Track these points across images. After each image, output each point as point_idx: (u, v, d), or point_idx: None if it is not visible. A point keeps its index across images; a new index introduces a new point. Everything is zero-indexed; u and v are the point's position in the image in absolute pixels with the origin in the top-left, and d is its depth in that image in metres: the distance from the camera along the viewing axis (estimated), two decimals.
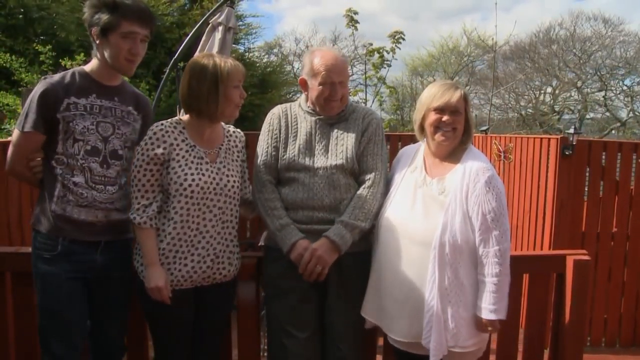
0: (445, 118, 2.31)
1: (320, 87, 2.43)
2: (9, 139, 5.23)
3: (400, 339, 2.38)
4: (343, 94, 2.47)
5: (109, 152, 2.31)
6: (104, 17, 2.23)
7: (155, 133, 2.29)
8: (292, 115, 2.55)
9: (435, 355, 2.27)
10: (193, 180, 2.28)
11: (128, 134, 2.37)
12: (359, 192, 2.44)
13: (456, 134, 2.34)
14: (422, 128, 2.42)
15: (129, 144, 2.38)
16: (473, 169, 2.28)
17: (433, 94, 2.35)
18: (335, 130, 2.50)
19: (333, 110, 2.49)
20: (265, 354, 2.79)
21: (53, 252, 2.28)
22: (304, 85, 2.52)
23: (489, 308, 2.22)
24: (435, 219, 2.27)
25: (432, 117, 2.34)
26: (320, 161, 2.44)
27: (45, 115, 2.23)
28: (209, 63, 2.29)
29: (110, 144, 2.32)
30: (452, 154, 2.39)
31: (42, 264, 2.29)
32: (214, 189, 2.32)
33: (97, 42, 2.28)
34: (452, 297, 2.25)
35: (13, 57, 7.82)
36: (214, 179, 2.33)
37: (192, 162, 2.31)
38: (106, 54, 2.28)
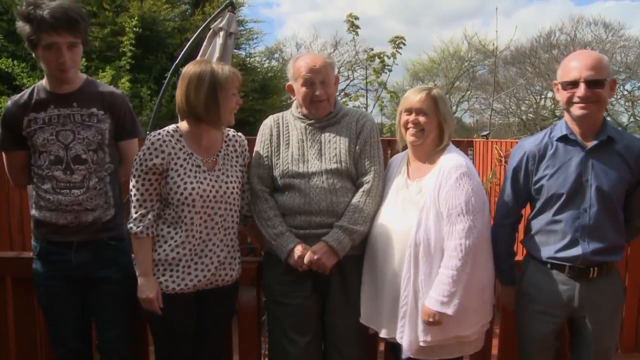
0: (410, 118, 2.38)
1: (303, 87, 2.46)
2: None
3: (384, 336, 2.41)
4: (328, 93, 2.48)
5: (71, 159, 2.34)
6: (26, 29, 2.21)
7: (152, 143, 2.29)
8: (284, 124, 2.57)
9: (410, 350, 2.29)
10: (193, 189, 2.28)
11: (91, 137, 2.37)
12: (357, 196, 2.44)
13: (425, 134, 2.37)
14: (401, 132, 2.47)
15: (94, 147, 2.37)
16: (447, 167, 2.31)
17: (404, 97, 2.44)
18: (327, 134, 2.51)
19: (320, 111, 2.50)
20: (266, 359, 2.78)
21: (35, 253, 2.46)
22: (292, 90, 2.55)
23: (438, 299, 2.20)
24: (411, 218, 2.31)
25: (403, 118, 2.42)
26: (314, 166, 2.45)
27: (11, 135, 2.37)
28: (206, 69, 2.29)
29: (72, 150, 2.34)
30: (431, 155, 2.42)
31: (33, 264, 2.47)
32: (214, 197, 2.33)
33: (34, 54, 2.29)
34: (424, 293, 2.26)
35: (15, 62, 7.84)
36: (212, 187, 2.33)
37: (190, 170, 2.31)
38: (42, 66, 2.31)
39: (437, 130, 2.39)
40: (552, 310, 2.35)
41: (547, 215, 2.34)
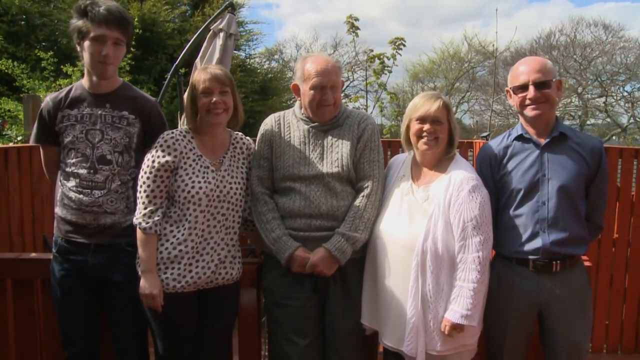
0: (426, 127, 2.36)
1: (312, 91, 2.43)
2: (10, 144, 5.25)
3: (387, 343, 2.42)
4: (336, 98, 2.46)
5: (96, 158, 2.39)
6: (78, 23, 2.34)
7: (166, 141, 2.34)
8: (285, 124, 2.55)
9: None
10: (200, 188, 2.31)
11: (118, 139, 2.41)
12: (357, 200, 2.43)
13: (439, 142, 2.37)
14: (408, 139, 2.45)
15: (120, 149, 2.42)
16: (457, 179, 2.31)
17: (414, 105, 2.41)
18: (330, 137, 2.49)
19: (325, 116, 2.48)
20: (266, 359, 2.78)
21: (55, 250, 2.48)
22: (297, 91, 2.53)
23: (462, 313, 2.22)
24: (419, 226, 2.30)
25: (415, 127, 2.40)
26: (315, 169, 2.44)
27: (45, 129, 2.46)
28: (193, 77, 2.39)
29: (99, 150, 2.39)
30: (439, 163, 2.42)
31: (52, 261, 2.50)
32: (217, 196, 2.35)
33: (79, 49, 2.40)
34: (432, 303, 2.28)
35: (15, 63, 7.85)
36: (217, 186, 2.35)
37: (198, 170, 2.35)
38: (84, 59, 2.40)
39: (448, 137, 2.40)
40: (519, 306, 2.41)
41: (509, 211, 2.44)
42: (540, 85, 2.36)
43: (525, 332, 2.47)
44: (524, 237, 2.39)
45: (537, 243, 2.36)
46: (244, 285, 2.60)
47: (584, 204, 2.42)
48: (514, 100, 2.45)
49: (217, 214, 2.36)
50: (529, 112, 2.39)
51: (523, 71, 2.41)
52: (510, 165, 2.44)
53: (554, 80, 2.40)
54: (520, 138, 2.46)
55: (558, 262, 2.36)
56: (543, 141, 2.41)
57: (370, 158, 2.48)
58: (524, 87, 2.39)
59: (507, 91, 2.50)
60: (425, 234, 2.28)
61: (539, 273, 2.38)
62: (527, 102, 2.38)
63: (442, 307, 2.28)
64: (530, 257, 2.38)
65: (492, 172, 2.50)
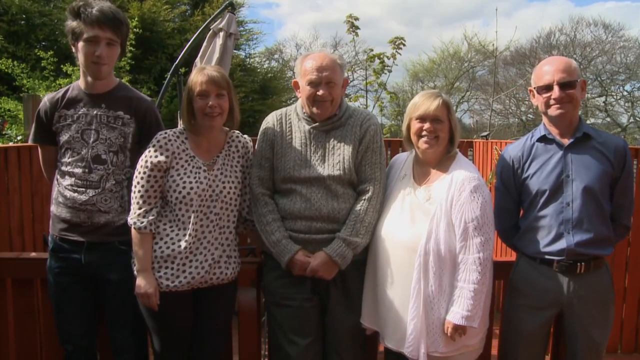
0: (426, 126, 2.35)
1: (308, 86, 2.42)
2: (10, 144, 5.25)
3: (387, 344, 2.41)
4: (333, 95, 2.43)
5: (91, 158, 2.41)
6: (72, 24, 2.37)
7: (159, 141, 2.35)
8: (287, 124, 2.53)
9: None
10: (192, 188, 2.31)
11: (113, 139, 2.43)
12: (358, 204, 2.41)
13: (439, 141, 2.36)
14: (409, 138, 2.44)
15: (115, 148, 2.43)
16: (459, 178, 2.30)
17: (414, 104, 2.40)
18: (332, 139, 2.47)
19: (322, 112, 2.44)
20: (266, 359, 2.79)
21: (50, 248, 2.53)
22: (297, 87, 2.52)
23: (463, 314, 2.22)
24: (421, 227, 2.29)
25: (415, 126, 2.38)
26: (317, 171, 2.42)
27: (42, 129, 2.49)
28: (190, 78, 2.39)
29: (94, 149, 2.42)
30: (440, 162, 2.41)
31: (48, 259, 2.54)
32: (210, 196, 2.35)
33: (74, 50, 2.43)
34: (434, 304, 2.27)
35: (15, 63, 7.84)
36: (209, 186, 2.35)
37: (190, 171, 2.35)
38: (79, 60, 2.42)
39: (449, 136, 2.39)
40: (540, 305, 2.41)
41: (533, 212, 2.42)
42: (565, 85, 2.33)
43: (542, 333, 2.47)
44: (548, 238, 2.37)
45: (561, 244, 2.35)
46: (244, 284, 2.61)
47: (608, 204, 2.39)
48: (537, 100, 2.43)
49: (210, 214, 2.36)
50: (553, 111, 2.36)
51: (548, 71, 2.38)
52: (533, 167, 2.43)
53: (578, 80, 2.37)
54: (543, 139, 2.45)
55: (582, 263, 2.35)
56: (566, 142, 2.39)
57: (372, 160, 2.47)
58: (548, 87, 2.36)
59: (531, 91, 2.48)
60: (428, 234, 2.27)
61: (563, 273, 2.37)
62: (552, 102, 2.35)
63: (444, 309, 2.27)
64: (555, 258, 2.37)
65: (514, 175, 2.49)
